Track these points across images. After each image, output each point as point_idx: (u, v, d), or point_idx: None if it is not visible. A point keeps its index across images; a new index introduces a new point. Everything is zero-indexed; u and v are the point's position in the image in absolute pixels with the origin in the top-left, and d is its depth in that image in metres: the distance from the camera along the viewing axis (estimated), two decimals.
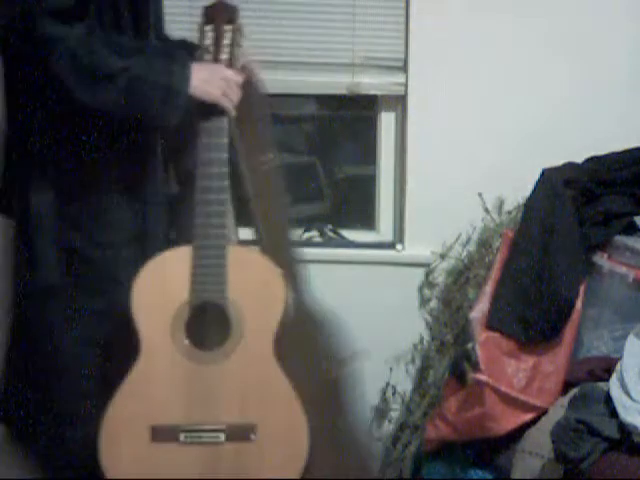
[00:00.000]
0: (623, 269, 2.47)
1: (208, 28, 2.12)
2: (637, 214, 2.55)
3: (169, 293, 2.04)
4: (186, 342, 2.05)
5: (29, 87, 2.02)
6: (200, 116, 2.05)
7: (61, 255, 2.07)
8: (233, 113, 2.10)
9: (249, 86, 2.24)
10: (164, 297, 2.04)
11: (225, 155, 2.06)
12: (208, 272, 2.04)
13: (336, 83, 2.89)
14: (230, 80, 2.08)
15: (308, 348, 2.32)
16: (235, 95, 2.09)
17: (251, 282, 2.08)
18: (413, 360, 2.94)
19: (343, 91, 2.90)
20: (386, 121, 2.98)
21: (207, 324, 2.08)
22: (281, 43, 2.86)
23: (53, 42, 1.89)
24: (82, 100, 1.94)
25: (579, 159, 2.70)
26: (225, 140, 2.06)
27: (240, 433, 2.06)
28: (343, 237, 3.01)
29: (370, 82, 2.89)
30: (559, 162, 2.68)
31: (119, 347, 2.09)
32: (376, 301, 2.90)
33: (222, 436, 2.05)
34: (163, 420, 2.04)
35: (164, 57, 2.03)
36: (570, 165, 2.68)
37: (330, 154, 3.13)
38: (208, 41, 2.11)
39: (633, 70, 2.85)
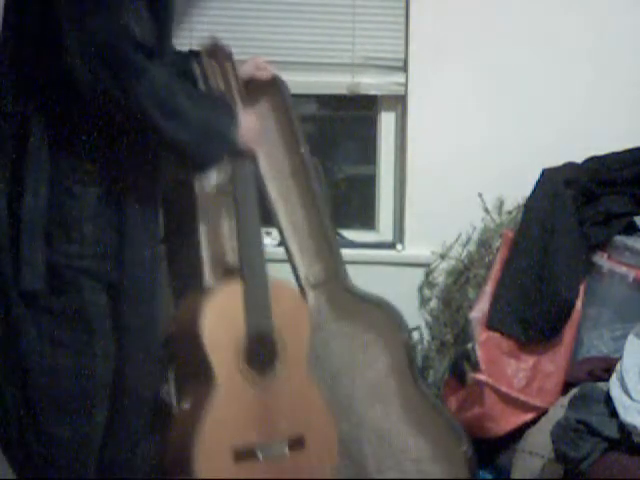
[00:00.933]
0: (623, 269, 2.47)
1: (212, 66, 2.33)
2: (637, 214, 2.55)
3: (231, 326, 2.28)
4: (247, 369, 2.29)
5: (52, 91, 2.04)
6: (234, 160, 2.29)
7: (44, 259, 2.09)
8: (257, 158, 2.35)
9: (275, 84, 2.47)
10: (228, 330, 2.28)
11: (256, 196, 2.34)
12: (259, 305, 2.30)
13: (336, 83, 2.90)
14: (256, 127, 2.29)
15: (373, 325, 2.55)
16: (260, 140, 2.32)
17: (285, 310, 2.34)
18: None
19: (343, 91, 2.90)
20: (386, 121, 2.98)
21: (255, 351, 2.32)
22: (281, 43, 2.86)
23: (141, 71, 2.00)
24: (159, 130, 2.05)
25: (579, 159, 2.70)
26: (254, 182, 2.33)
27: (295, 444, 2.33)
28: (343, 237, 3.01)
29: (370, 82, 2.90)
30: (559, 162, 2.68)
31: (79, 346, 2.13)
32: None
33: (287, 448, 2.32)
34: (242, 441, 2.27)
35: (223, 106, 2.23)
36: (570, 165, 2.68)
37: (330, 154, 3.12)
38: (214, 78, 2.33)
39: (633, 70, 2.85)
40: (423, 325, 2.92)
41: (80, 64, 1.98)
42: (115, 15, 1.98)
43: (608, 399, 2.16)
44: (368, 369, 2.54)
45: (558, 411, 2.29)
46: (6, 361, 2.14)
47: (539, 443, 2.31)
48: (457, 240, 2.88)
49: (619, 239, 2.51)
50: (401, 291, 2.88)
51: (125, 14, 1.99)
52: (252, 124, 2.27)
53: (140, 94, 2.00)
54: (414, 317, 2.90)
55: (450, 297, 2.86)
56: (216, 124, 2.15)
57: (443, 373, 2.80)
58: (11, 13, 2.09)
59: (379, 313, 2.55)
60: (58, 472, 2.15)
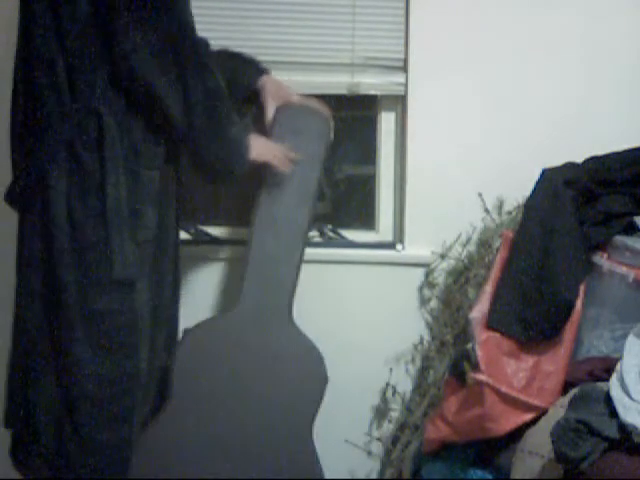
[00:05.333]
0: (623, 269, 2.47)
1: None
2: (637, 214, 2.55)
3: None
4: None
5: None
6: None
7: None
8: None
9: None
10: None
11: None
12: None
13: (336, 83, 2.90)
14: (276, 149, 2.52)
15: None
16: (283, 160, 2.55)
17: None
18: (413, 360, 2.94)
19: (343, 91, 2.90)
20: (386, 121, 2.98)
21: None
22: (281, 43, 2.86)
23: (202, 67, 2.21)
24: (195, 129, 2.20)
25: (579, 159, 2.70)
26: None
27: None
28: (343, 237, 3.01)
29: (370, 82, 2.90)
30: (559, 162, 2.68)
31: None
32: (376, 301, 2.90)
33: None
34: None
35: (243, 128, 2.39)
36: (570, 165, 2.68)
37: (330, 154, 3.12)
38: None
39: (633, 70, 2.85)
40: (423, 325, 2.92)
41: (141, 57, 2.10)
42: (180, 11, 2.16)
43: (608, 399, 2.16)
44: None
45: (558, 411, 2.29)
46: (52, 366, 2.14)
47: (539, 443, 2.31)
48: (457, 240, 2.88)
49: (619, 239, 2.51)
50: (401, 291, 2.88)
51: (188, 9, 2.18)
52: (263, 144, 2.45)
53: (196, 90, 2.13)
54: (414, 317, 2.91)
55: (450, 297, 2.86)
56: (235, 143, 2.30)
57: (443, 373, 2.80)
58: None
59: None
60: (96, 475, 2.15)
